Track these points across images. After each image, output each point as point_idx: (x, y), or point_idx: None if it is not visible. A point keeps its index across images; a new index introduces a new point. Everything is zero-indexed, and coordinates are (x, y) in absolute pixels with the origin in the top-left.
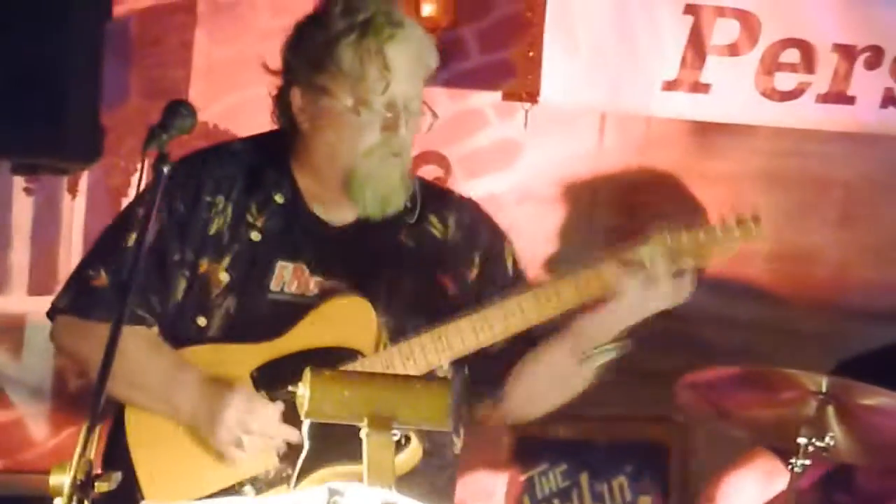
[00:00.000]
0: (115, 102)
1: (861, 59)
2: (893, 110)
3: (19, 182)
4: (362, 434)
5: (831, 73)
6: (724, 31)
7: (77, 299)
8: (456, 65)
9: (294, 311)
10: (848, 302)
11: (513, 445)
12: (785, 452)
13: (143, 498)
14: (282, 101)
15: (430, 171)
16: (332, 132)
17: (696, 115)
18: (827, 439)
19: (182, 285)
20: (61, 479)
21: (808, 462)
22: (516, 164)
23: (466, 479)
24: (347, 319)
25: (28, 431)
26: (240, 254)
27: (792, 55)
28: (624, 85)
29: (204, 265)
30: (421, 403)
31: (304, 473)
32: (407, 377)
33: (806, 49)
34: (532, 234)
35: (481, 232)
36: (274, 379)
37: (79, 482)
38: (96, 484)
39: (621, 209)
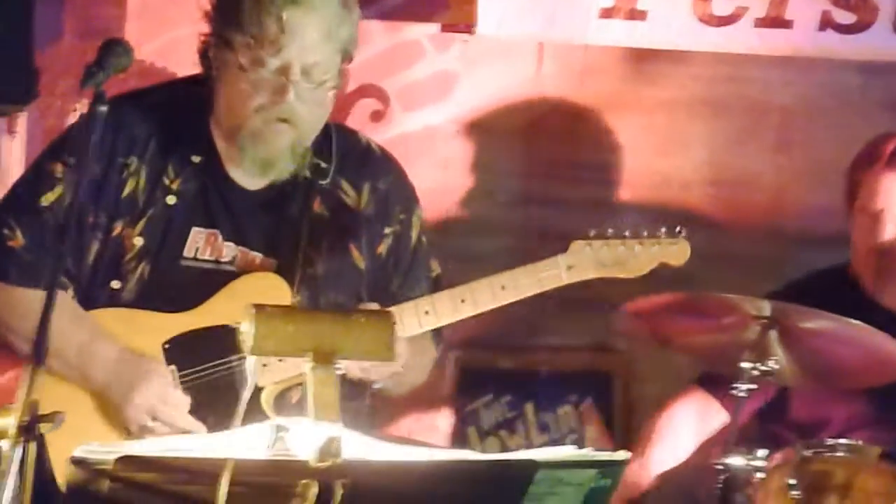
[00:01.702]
0: (48, 42)
1: None
2: (831, 33)
3: None
4: (306, 369)
5: None
6: None
7: None
8: None
9: (208, 278)
10: (785, 226)
11: (456, 378)
12: (719, 387)
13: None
14: (204, 48)
15: (368, 105)
16: (228, 87)
17: (634, 42)
18: (770, 363)
19: (95, 248)
20: (6, 422)
21: (752, 386)
22: (454, 96)
23: (411, 413)
24: (261, 298)
25: None
26: (155, 218)
27: None
28: (560, 13)
29: (118, 228)
30: (364, 336)
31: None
32: (349, 311)
33: None
34: (470, 165)
35: (395, 203)
36: (185, 353)
37: (24, 424)
38: (40, 425)
39: (561, 139)
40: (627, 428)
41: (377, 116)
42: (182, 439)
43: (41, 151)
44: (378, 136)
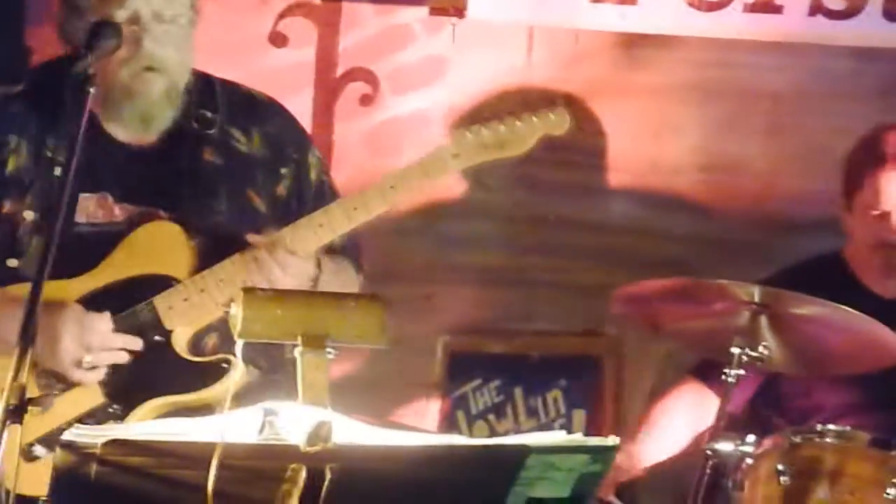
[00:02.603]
0: (38, 22)
1: None
2: (821, 18)
3: None
4: (296, 353)
5: None
6: None
7: None
8: None
9: (103, 241)
10: (777, 212)
11: (445, 362)
12: (715, 377)
13: None
14: (60, 23)
15: (358, 88)
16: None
17: (624, 27)
18: (760, 349)
19: None
20: None
21: (741, 372)
22: (444, 80)
23: (399, 398)
24: (158, 245)
25: None
26: (42, 190)
27: None
28: None
29: (6, 206)
30: (355, 320)
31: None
32: (341, 295)
33: None
34: None
35: (287, 144)
36: (93, 311)
37: (12, 407)
38: (29, 408)
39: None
40: (616, 413)
41: (367, 100)
42: (171, 423)
43: None
44: (368, 119)
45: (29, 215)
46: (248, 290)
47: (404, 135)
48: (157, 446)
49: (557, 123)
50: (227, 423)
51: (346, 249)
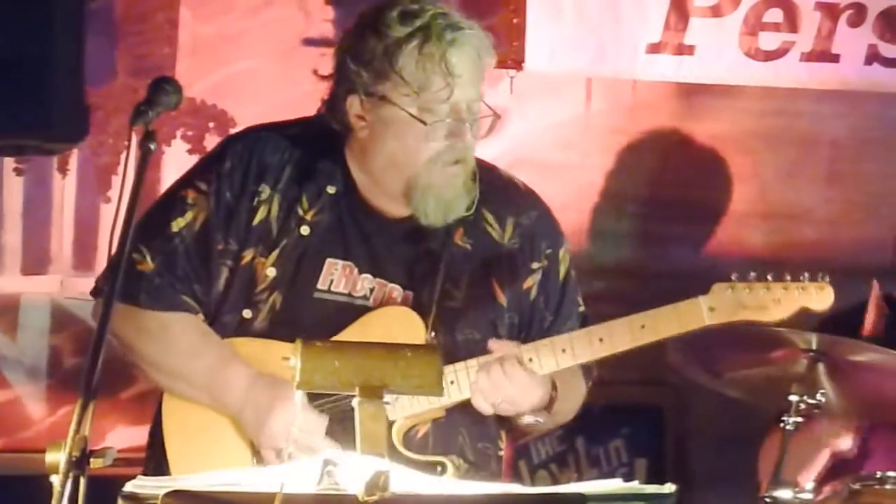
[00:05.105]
0: (101, 81)
1: (844, 16)
2: (878, 67)
3: (9, 162)
4: (354, 403)
5: (815, 31)
6: None
7: (124, 283)
8: None
9: (341, 312)
10: (837, 259)
11: None
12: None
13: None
14: (335, 106)
15: None
16: (394, 141)
17: (682, 77)
18: (818, 396)
19: (224, 275)
20: (57, 457)
21: (800, 420)
22: (504, 131)
23: None
24: (395, 332)
25: (25, 410)
26: (288, 248)
27: (775, 14)
28: (609, 49)
29: (247, 256)
30: (412, 371)
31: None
32: (397, 345)
33: (789, 8)
34: None
35: (541, 239)
36: None
37: (74, 459)
38: (91, 460)
39: (611, 173)
40: (678, 461)
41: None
42: (230, 473)
43: (178, 178)
44: None
45: (271, 272)
46: (307, 342)
47: None
48: (217, 497)
49: (820, 300)
50: (287, 474)
51: None
